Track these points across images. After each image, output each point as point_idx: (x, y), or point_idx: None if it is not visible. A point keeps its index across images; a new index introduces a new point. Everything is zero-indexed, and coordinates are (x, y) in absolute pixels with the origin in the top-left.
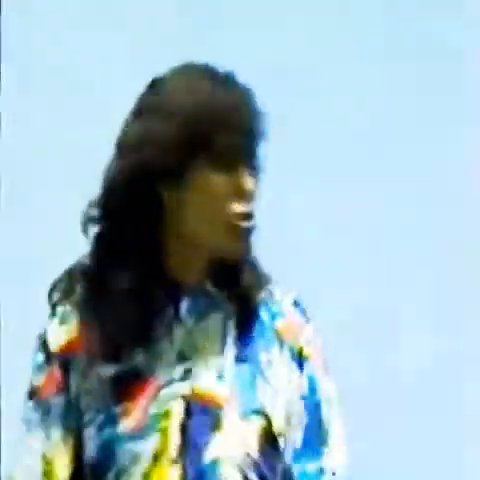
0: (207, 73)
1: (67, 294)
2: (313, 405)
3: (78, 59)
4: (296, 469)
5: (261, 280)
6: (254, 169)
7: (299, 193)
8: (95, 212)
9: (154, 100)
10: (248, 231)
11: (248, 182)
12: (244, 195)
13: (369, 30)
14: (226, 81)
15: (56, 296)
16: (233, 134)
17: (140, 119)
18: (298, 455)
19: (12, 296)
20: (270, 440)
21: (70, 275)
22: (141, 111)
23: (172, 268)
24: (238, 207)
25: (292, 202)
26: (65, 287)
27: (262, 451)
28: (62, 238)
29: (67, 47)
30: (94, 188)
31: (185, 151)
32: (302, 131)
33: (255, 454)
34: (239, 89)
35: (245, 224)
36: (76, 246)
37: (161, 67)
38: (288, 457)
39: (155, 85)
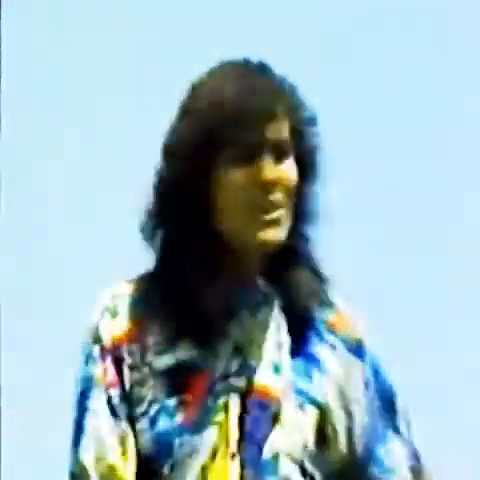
0: (235, 71)
1: (118, 295)
2: (380, 391)
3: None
4: (366, 453)
5: (314, 279)
6: (283, 158)
7: None
8: (152, 220)
9: (184, 104)
10: (274, 222)
11: (268, 173)
12: (265, 186)
13: None
14: (251, 76)
15: (108, 296)
16: (249, 130)
17: (174, 123)
18: (368, 440)
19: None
20: (325, 430)
21: (120, 283)
22: (177, 115)
23: (225, 265)
24: (259, 198)
25: None
26: (116, 289)
27: (318, 442)
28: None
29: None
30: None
31: (206, 151)
32: None
33: (312, 445)
34: (263, 82)
35: (268, 215)
36: None
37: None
38: (356, 442)
39: (189, 89)
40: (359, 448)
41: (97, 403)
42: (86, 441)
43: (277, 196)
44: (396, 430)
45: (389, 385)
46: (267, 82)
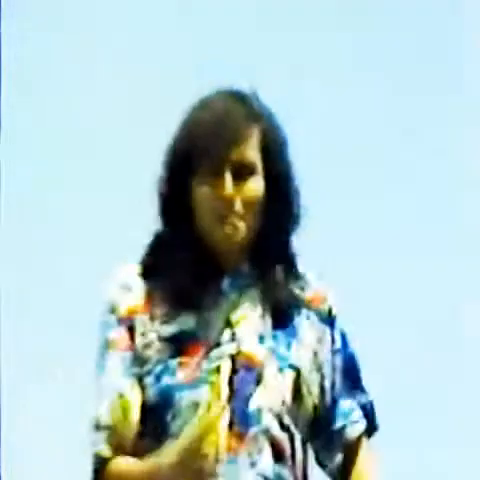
0: (215, 99)
1: (130, 273)
2: (348, 355)
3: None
4: (332, 408)
5: (289, 266)
6: (246, 177)
7: None
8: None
9: (178, 127)
10: (233, 227)
11: (227, 189)
12: (226, 199)
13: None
14: (227, 104)
15: (122, 274)
16: (214, 152)
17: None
18: (334, 396)
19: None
20: (300, 389)
21: (131, 264)
22: (173, 134)
23: (216, 254)
24: (221, 209)
25: None
26: (128, 268)
27: (294, 399)
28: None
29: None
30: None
31: (185, 167)
32: None
33: (289, 402)
34: (237, 109)
35: (228, 221)
36: None
37: None
38: (325, 399)
39: (185, 113)
40: (328, 403)
41: (112, 363)
42: (102, 395)
43: (237, 207)
44: (358, 387)
45: (352, 349)
46: (240, 109)
